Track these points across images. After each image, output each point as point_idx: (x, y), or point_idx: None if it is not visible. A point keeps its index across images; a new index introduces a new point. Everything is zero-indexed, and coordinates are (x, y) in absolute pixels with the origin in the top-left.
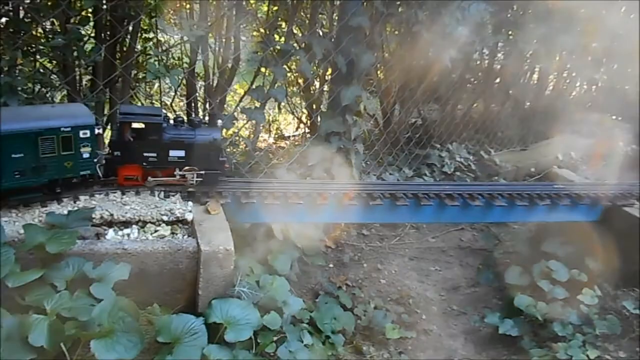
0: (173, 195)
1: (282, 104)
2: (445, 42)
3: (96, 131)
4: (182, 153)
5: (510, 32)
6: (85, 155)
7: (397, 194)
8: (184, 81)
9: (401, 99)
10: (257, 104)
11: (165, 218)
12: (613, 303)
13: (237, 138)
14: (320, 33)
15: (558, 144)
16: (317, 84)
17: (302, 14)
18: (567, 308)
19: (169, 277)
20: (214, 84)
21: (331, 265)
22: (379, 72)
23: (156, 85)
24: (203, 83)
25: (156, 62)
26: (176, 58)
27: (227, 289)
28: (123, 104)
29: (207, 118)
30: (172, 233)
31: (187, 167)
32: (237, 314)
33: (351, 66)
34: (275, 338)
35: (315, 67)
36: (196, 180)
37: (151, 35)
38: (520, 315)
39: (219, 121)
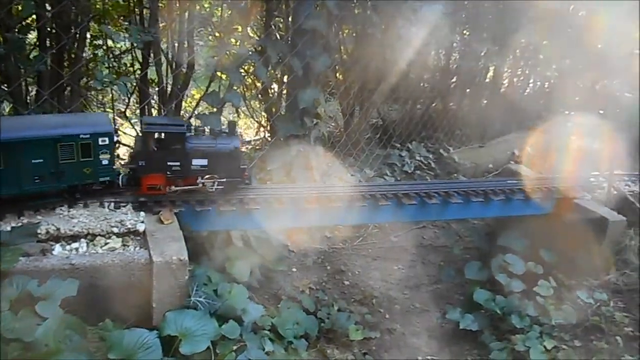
0: (124, 206)
1: (243, 108)
2: (399, 43)
3: (115, 139)
4: (204, 162)
5: (465, 32)
6: (105, 162)
7: (355, 195)
8: (137, 88)
9: (360, 100)
10: (215, 109)
11: (115, 230)
12: (568, 293)
13: None
14: (278, 36)
15: (514, 140)
16: (276, 87)
17: (257, 17)
18: (524, 300)
19: (121, 291)
20: (169, 90)
21: (294, 270)
22: (338, 74)
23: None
24: (157, 89)
25: (104, 70)
26: (128, 65)
27: (183, 300)
28: (72, 112)
29: None
30: (124, 245)
31: (208, 176)
32: (192, 326)
33: (307, 69)
34: (234, 347)
35: (271, 71)
36: (217, 189)
37: (101, 42)
38: (481, 309)
39: (238, 130)
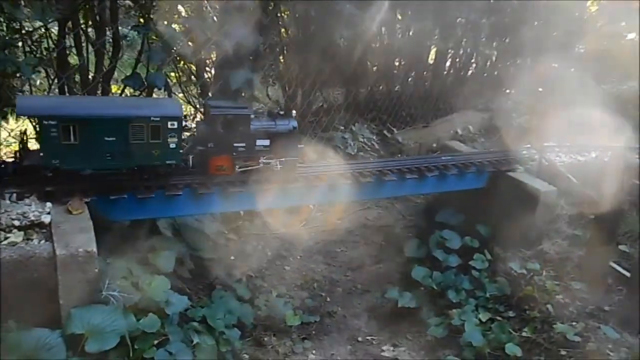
0: (28, 197)
1: (180, 94)
2: (335, 21)
3: (183, 124)
4: (267, 142)
5: (407, 13)
6: (172, 146)
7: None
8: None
9: (302, 82)
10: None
11: (17, 223)
12: (503, 265)
13: None
14: (215, 18)
15: (457, 119)
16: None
17: None
18: (460, 275)
19: (24, 288)
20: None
21: (232, 258)
22: (280, 56)
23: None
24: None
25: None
26: (50, 49)
27: (94, 294)
28: None
29: None
30: (27, 239)
31: (268, 155)
32: (100, 322)
33: (239, 49)
34: (156, 342)
35: (199, 51)
36: (278, 167)
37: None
38: (420, 287)
39: (293, 111)
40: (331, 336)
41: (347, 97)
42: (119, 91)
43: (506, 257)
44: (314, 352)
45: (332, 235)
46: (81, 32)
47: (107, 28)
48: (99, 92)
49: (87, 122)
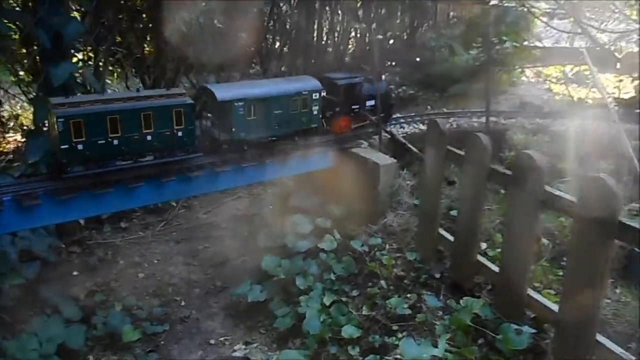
0: None
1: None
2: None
3: (322, 94)
4: (373, 102)
5: None
6: (315, 112)
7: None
8: None
9: (163, 71)
10: None
11: None
12: (352, 244)
13: None
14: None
15: None
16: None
17: None
18: (307, 260)
19: None
20: None
21: (75, 273)
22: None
23: None
24: None
25: None
26: None
27: None
28: None
29: None
30: None
31: (370, 112)
32: None
33: (58, 39)
34: None
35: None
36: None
37: None
38: (272, 277)
39: (383, 76)
40: (181, 343)
41: (219, 82)
42: None
43: (355, 234)
44: None
45: (196, 232)
46: None
47: None
48: None
49: (263, 100)
